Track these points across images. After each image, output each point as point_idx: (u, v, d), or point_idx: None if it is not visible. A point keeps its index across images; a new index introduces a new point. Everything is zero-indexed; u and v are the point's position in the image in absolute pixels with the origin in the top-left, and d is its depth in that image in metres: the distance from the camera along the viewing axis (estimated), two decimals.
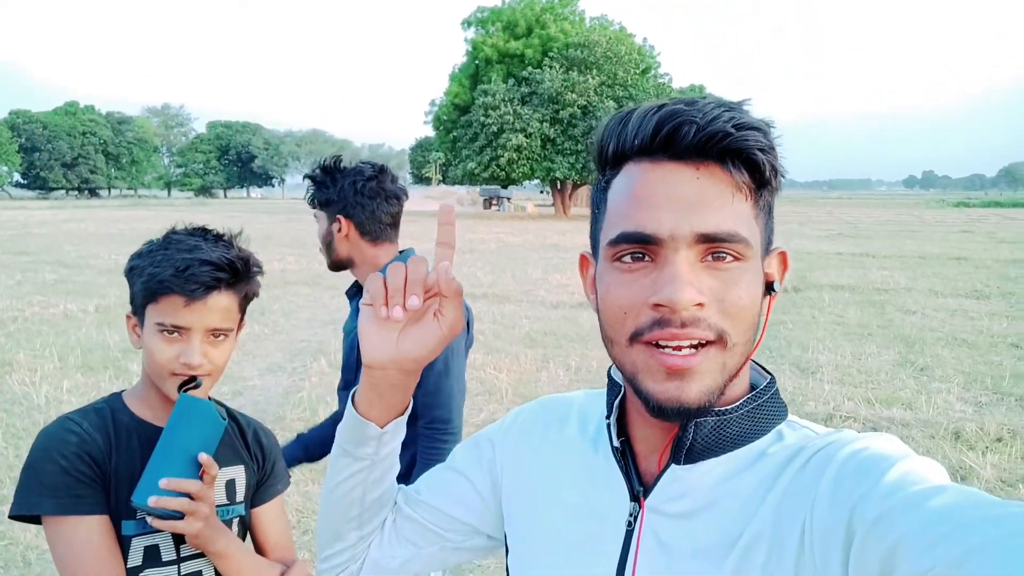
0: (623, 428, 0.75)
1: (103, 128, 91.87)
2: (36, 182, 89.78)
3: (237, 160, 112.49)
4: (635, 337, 0.64)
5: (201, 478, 1.15)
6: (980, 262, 15.81)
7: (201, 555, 1.22)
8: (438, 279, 0.71)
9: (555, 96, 40.05)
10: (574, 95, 39.58)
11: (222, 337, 1.22)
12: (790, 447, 0.66)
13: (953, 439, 4.92)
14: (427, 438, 1.87)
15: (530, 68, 42.85)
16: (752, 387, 0.72)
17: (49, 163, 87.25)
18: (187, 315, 1.17)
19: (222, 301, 1.20)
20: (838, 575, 0.55)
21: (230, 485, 1.30)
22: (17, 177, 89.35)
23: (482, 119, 41.27)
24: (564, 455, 0.80)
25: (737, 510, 0.65)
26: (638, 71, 42.59)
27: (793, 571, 0.59)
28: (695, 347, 0.62)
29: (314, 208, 1.98)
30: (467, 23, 49.44)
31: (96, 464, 1.15)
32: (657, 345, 0.62)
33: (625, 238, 0.64)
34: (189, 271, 1.16)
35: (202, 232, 1.26)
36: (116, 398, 1.27)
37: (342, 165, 1.96)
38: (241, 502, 1.32)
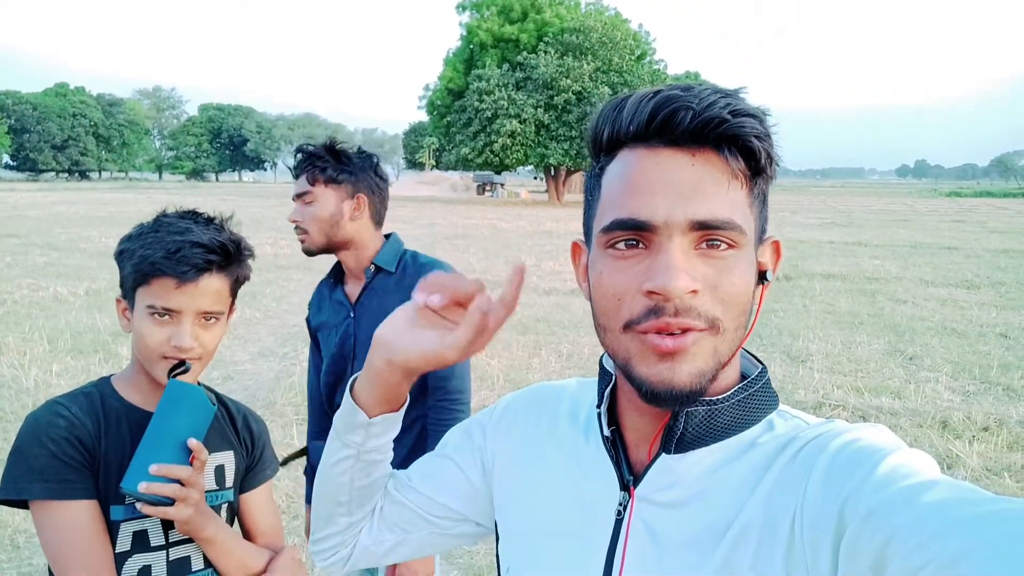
0: (614, 417, 0.75)
1: (94, 110, 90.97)
2: (26, 164, 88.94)
3: (229, 143, 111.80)
4: (628, 326, 0.63)
5: (191, 464, 1.14)
6: (971, 251, 15.90)
7: (190, 540, 1.22)
8: (478, 302, 0.67)
9: (550, 82, 39.89)
10: (569, 81, 39.43)
11: (213, 320, 1.22)
12: (781, 437, 0.66)
13: (940, 428, 4.97)
14: (442, 409, 1.88)
15: (525, 53, 42.65)
16: (743, 376, 0.72)
17: (39, 145, 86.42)
18: (178, 297, 1.16)
19: (213, 284, 1.19)
20: (828, 566, 0.55)
21: (219, 471, 1.30)
22: (7, 159, 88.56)
23: (476, 104, 41.08)
24: (555, 444, 0.80)
25: (727, 500, 0.65)
26: (633, 57, 42.42)
27: (783, 562, 0.59)
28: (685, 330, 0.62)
29: (316, 184, 1.86)
30: (462, 7, 49.05)
31: (85, 448, 1.15)
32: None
33: (619, 224, 0.63)
34: (180, 253, 1.15)
35: (193, 215, 1.25)
36: (105, 382, 1.26)
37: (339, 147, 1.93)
38: (230, 487, 1.32)
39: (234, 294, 1.27)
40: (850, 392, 5.74)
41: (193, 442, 1.14)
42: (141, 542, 1.19)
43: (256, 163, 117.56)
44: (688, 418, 0.66)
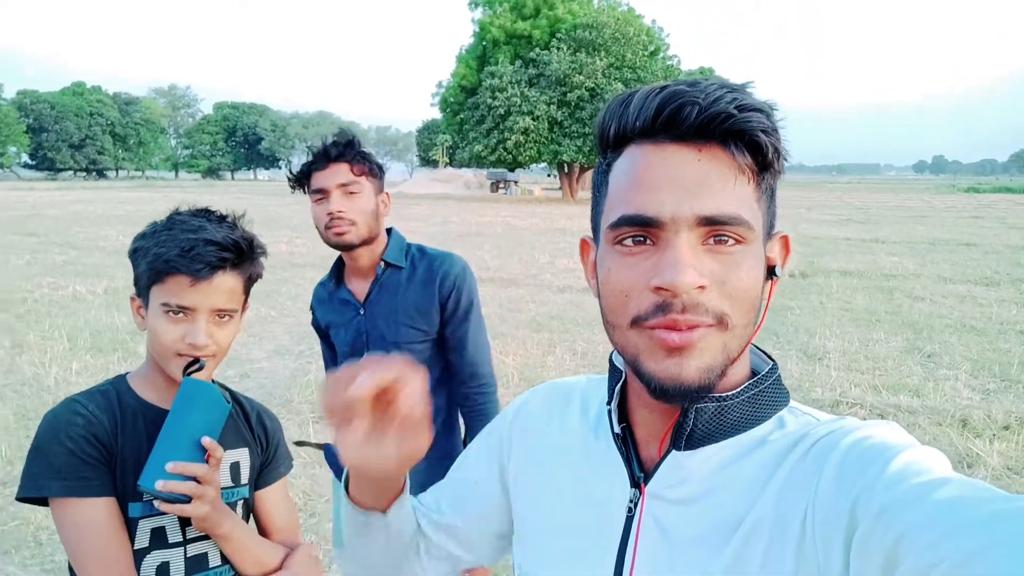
0: (624, 414, 0.75)
1: (110, 109, 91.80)
2: (44, 163, 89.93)
3: (244, 142, 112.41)
4: (636, 322, 0.63)
5: (207, 461, 1.15)
6: (990, 248, 15.69)
7: (207, 537, 1.22)
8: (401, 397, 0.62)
9: (562, 78, 39.80)
10: (582, 77, 39.32)
11: (227, 318, 1.22)
12: (792, 434, 0.66)
13: (960, 426, 4.90)
14: (479, 395, 1.92)
15: (537, 49, 42.59)
16: (753, 373, 0.71)
17: (57, 144, 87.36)
18: (192, 295, 1.17)
19: (227, 281, 1.20)
20: (839, 563, 0.55)
21: (234, 467, 1.31)
22: (25, 158, 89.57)
23: (489, 101, 41.07)
24: (566, 441, 0.80)
25: (738, 496, 0.64)
26: (646, 53, 42.24)
27: (794, 559, 0.59)
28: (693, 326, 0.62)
29: (361, 176, 1.83)
30: (474, 3, 49.03)
31: (102, 446, 1.16)
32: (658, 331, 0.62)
33: (626, 221, 0.63)
34: (194, 251, 1.16)
35: (206, 213, 1.26)
36: (121, 380, 1.27)
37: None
38: (245, 484, 1.33)
39: (247, 292, 1.28)
40: (868, 390, 5.69)
41: (208, 440, 1.15)
42: (159, 539, 1.20)
43: (271, 161, 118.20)
44: (698, 414, 0.66)
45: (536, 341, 7.21)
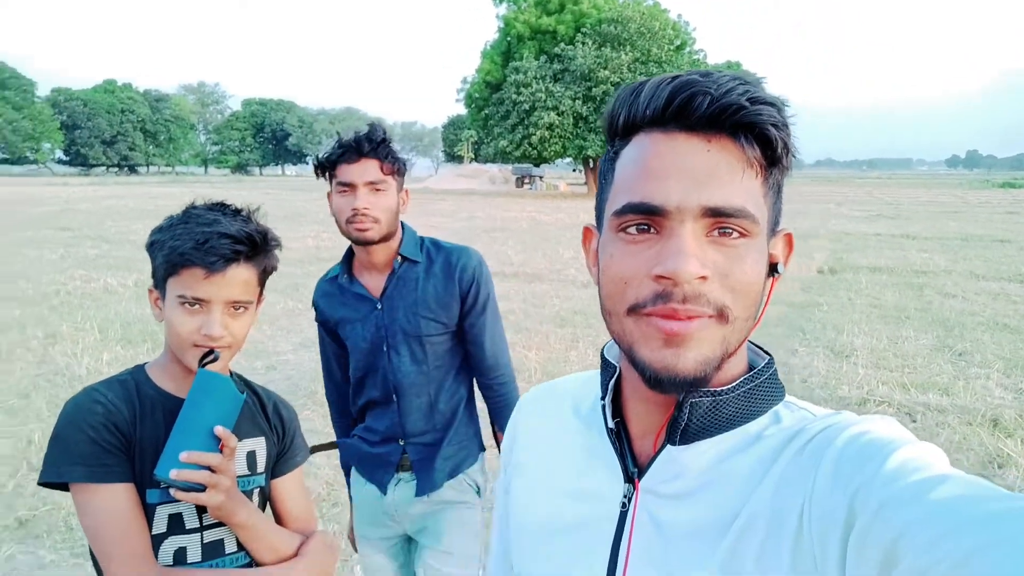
0: (618, 409, 0.75)
1: (141, 106, 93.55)
2: (77, 159, 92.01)
3: (272, 138, 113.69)
4: (633, 309, 0.63)
5: (221, 451, 1.16)
6: None
7: (223, 524, 1.24)
8: None
9: (588, 73, 39.65)
10: (607, 72, 39.13)
11: (242, 309, 1.24)
12: (788, 429, 0.66)
13: (991, 426, 4.80)
14: (499, 384, 1.97)
15: (562, 45, 42.44)
16: (750, 367, 0.71)
17: (89, 140, 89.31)
18: (207, 287, 1.18)
19: (241, 274, 1.21)
20: (836, 559, 0.54)
21: (251, 456, 1.32)
22: (59, 154, 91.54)
23: (514, 97, 41.06)
24: (560, 438, 0.81)
25: (733, 491, 0.64)
26: (672, 47, 41.91)
27: (791, 554, 0.58)
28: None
29: (388, 174, 1.82)
30: None
31: (121, 434, 1.18)
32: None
33: (631, 208, 0.63)
34: (209, 244, 1.17)
35: (221, 207, 1.27)
36: (139, 370, 1.29)
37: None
38: (262, 473, 1.34)
39: (262, 284, 1.29)
40: (896, 388, 5.59)
41: (221, 430, 1.17)
42: (176, 525, 1.22)
43: (298, 157, 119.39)
44: (693, 409, 0.66)
45: (559, 336, 7.20)
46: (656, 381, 0.62)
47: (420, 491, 1.91)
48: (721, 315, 0.61)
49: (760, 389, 0.68)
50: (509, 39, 46.87)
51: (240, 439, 1.26)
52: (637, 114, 0.65)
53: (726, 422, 0.67)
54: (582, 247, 0.77)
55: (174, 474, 1.12)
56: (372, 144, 1.80)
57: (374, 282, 1.93)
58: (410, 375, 1.89)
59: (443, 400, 1.94)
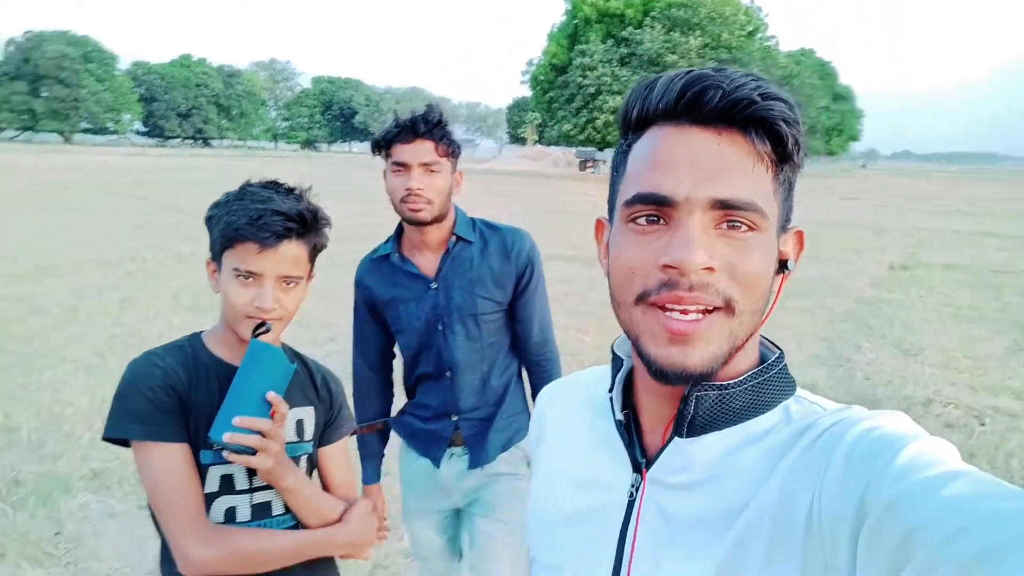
0: (629, 401, 0.76)
1: (215, 81, 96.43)
2: (155, 130, 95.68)
3: (340, 115, 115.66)
4: (641, 298, 0.64)
5: (271, 417, 1.21)
6: None
7: (271, 487, 1.30)
8: None
9: (655, 58, 38.96)
10: (675, 57, 38.39)
11: (293, 284, 1.29)
12: (798, 423, 0.65)
13: None
14: (546, 360, 2.03)
15: (630, 28, 41.78)
16: (762, 363, 0.71)
17: (166, 113, 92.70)
18: (260, 261, 1.24)
19: (292, 250, 1.26)
20: (847, 555, 0.54)
21: (300, 424, 1.38)
22: (138, 125, 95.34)
23: (579, 80, 40.71)
24: (574, 429, 0.82)
25: (741, 484, 0.64)
26: (744, 33, 40.76)
27: (801, 549, 0.58)
28: (702, 312, 0.61)
29: (442, 156, 1.83)
30: None
31: (178, 396, 1.24)
32: (663, 308, 0.62)
33: (641, 199, 0.64)
34: (262, 220, 1.23)
35: (275, 185, 1.33)
36: (196, 337, 1.36)
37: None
38: (309, 440, 1.40)
39: (312, 260, 1.34)
40: (964, 390, 5.37)
41: (272, 395, 1.22)
42: (228, 485, 1.29)
43: (365, 135, 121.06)
44: (698, 402, 0.66)
45: (615, 321, 7.14)
46: (661, 375, 0.63)
47: (473, 464, 1.95)
48: (728, 307, 0.62)
49: (769, 383, 0.68)
50: (576, 22, 46.36)
51: (290, 407, 1.31)
52: (650, 107, 0.65)
53: (734, 416, 0.67)
54: (595, 239, 0.78)
55: (227, 437, 1.18)
56: (428, 125, 1.81)
57: (426, 261, 1.94)
58: (465, 352, 1.92)
59: (495, 376, 1.97)
